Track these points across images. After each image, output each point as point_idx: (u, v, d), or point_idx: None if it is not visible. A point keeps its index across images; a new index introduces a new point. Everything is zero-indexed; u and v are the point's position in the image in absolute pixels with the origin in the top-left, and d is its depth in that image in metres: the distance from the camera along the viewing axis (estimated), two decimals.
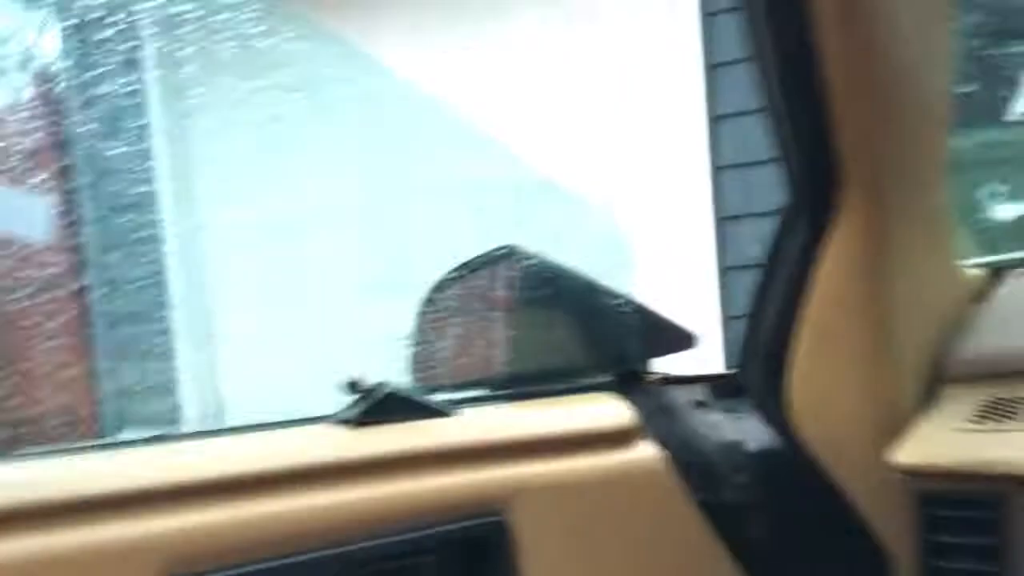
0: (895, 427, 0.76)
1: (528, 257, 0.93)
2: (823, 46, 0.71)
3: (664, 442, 0.86)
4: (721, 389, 0.95)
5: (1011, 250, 1.32)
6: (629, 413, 0.83)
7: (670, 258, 2.89)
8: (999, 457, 0.66)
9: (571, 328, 0.96)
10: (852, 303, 0.76)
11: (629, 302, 0.97)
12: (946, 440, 0.71)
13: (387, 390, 0.72)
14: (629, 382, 0.91)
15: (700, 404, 0.98)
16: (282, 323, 3.30)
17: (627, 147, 3.05)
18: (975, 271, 0.93)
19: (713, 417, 0.96)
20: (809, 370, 0.80)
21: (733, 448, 0.90)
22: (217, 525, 0.60)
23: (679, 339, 1.02)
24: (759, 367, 0.84)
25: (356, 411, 0.71)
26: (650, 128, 3.02)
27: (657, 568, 0.83)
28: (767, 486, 0.87)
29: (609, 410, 0.83)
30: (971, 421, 0.72)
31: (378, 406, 0.71)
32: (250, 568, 0.60)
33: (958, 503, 0.68)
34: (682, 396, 0.95)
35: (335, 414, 0.72)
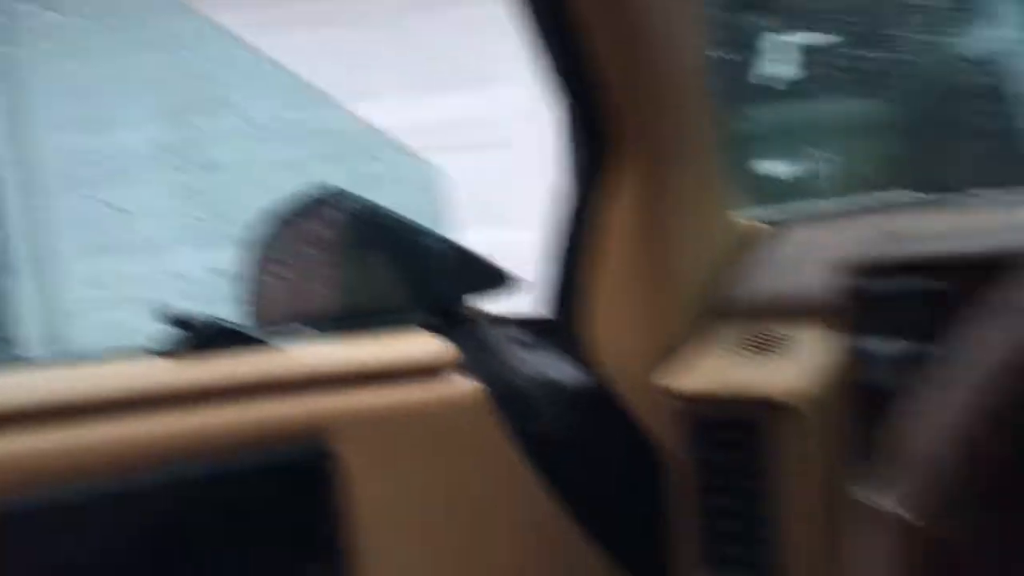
0: (673, 356, 0.84)
1: (351, 199, 0.95)
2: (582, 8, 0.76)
3: (481, 377, 0.91)
4: (537, 328, 1.02)
5: (783, 204, 1.46)
6: (447, 348, 0.87)
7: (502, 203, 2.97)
8: (755, 383, 0.75)
9: (393, 267, 0.99)
10: (636, 248, 0.83)
11: (451, 244, 1.01)
12: (712, 368, 0.80)
13: (211, 323, 0.74)
14: (450, 320, 0.95)
15: (518, 342, 1.05)
16: (114, 264, 3.17)
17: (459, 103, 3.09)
18: (751, 223, 1.04)
19: (529, 354, 1.03)
20: (603, 309, 0.87)
21: (545, 383, 0.97)
22: (41, 451, 0.60)
23: (501, 280, 1.07)
24: (562, 308, 0.91)
25: (181, 343, 0.72)
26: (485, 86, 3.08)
27: (475, 495, 0.89)
28: (574, 417, 0.95)
29: (428, 345, 0.88)
30: (736, 352, 0.82)
31: (202, 338, 0.72)
32: (72, 492, 0.61)
33: (721, 424, 0.77)
34: (501, 334, 1.01)
35: (161, 346, 0.73)
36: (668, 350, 0.86)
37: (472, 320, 1.00)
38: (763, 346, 0.83)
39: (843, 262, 0.57)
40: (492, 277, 1.04)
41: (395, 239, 1.00)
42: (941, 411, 0.32)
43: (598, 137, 0.87)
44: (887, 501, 0.33)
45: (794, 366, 0.75)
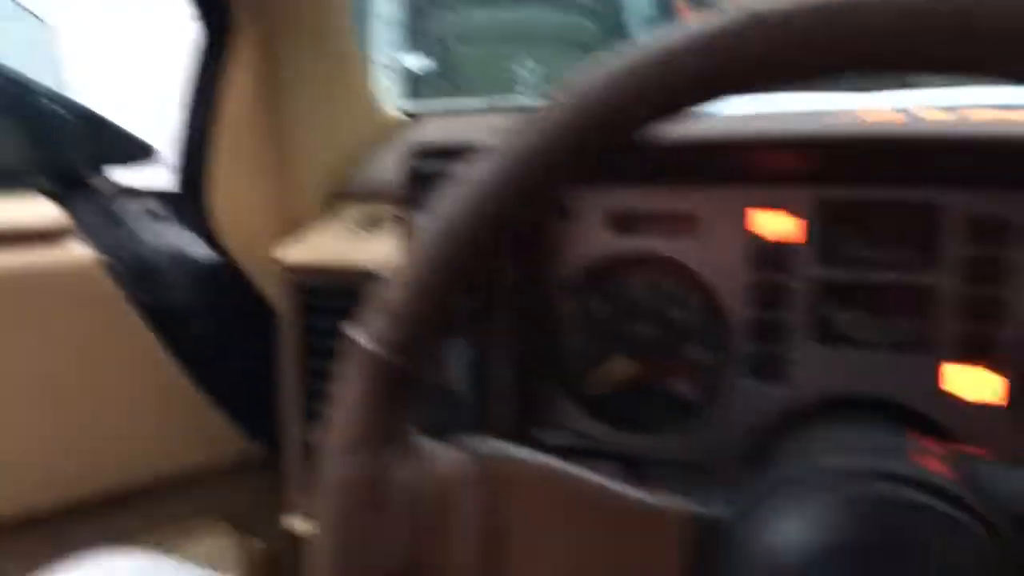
0: (295, 233, 0.90)
1: None
2: None
3: (101, 245, 0.91)
4: (165, 201, 1.02)
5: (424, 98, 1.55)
6: (63, 216, 0.86)
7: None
8: (356, 257, 0.81)
9: (11, 129, 0.94)
10: (256, 127, 0.86)
11: (79, 108, 0.97)
12: (324, 243, 0.86)
13: None
14: (72, 187, 0.93)
15: (145, 213, 1.05)
16: None
17: None
18: (394, 113, 1.10)
19: (158, 226, 1.03)
20: (225, 186, 0.90)
21: (172, 255, 0.98)
22: None
23: (134, 149, 1.05)
24: (187, 182, 0.93)
25: None
26: None
27: (93, 360, 0.89)
28: (201, 290, 0.98)
29: (43, 211, 0.86)
30: (349, 230, 0.89)
31: None
32: None
33: (325, 292, 0.83)
34: (128, 205, 1.00)
35: None
36: (291, 226, 0.91)
37: (98, 189, 0.98)
38: (371, 225, 0.90)
39: (410, 148, 0.66)
40: (122, 146, 1.03)
41: (13, 99, 0.94)
42: (406, 261, 0.41)
43: (219, 8, 0.86)
44: (362, 338, 0.42)
45: (390, 241, 0.84)
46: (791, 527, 0.39)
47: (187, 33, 0.92)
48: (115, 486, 0.91)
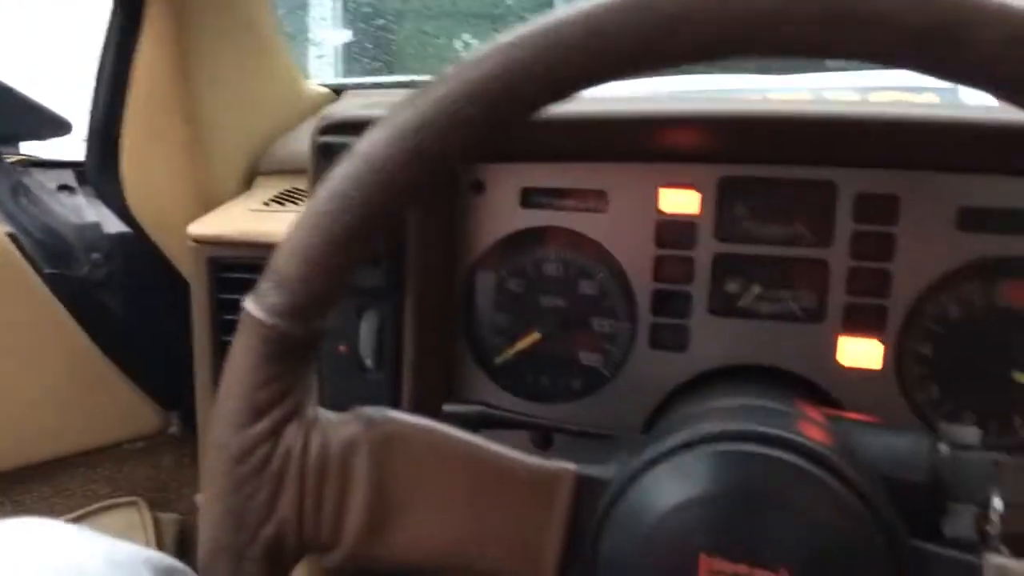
0: (211, 209, 0.89)
1: None
2: None
3: (15, 221, 0.89)
4: (80, 175, 1.00)
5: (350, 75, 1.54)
6: None
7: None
8: (267, 231, 0.81)
9: None
10: (170, 100, 0.84)
11: None
12: (238, 217, 0.85)
13: None
14: None
15: (62, 188, 1.02)
16: None
17: None
18: (319, 89, 1.10)
19: (73, 200, 1.01)
20: (138, 161, 0.88)
21: (84, 229, 0.97)
22: None
23: (48, 123, 1.03)
24: (99, 156, 0.91)
25: None
26: None
27: (13, 336, 0.88)
28: (113, 264, 0.96)
29: None
30: (265, 204, 0.89)
31: None
32: None
33: (233, 266, 0.83)
34: (44, 178, 0.98)
35: None
36: (209, 201, 0.90)
37: (8, 163, 0.96)
38: (289, 199, 0.90)
39: (319, 122, 0.66)
40: (35, 119, 1.00)
41: None
42: (293, 231, 0.42)
43: None
44: (252, 306, 0.42)
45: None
46: (668, 486, 0.41)
47: (99, 4, 0.90)
48: (28, 460, 0.89)
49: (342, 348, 0.65)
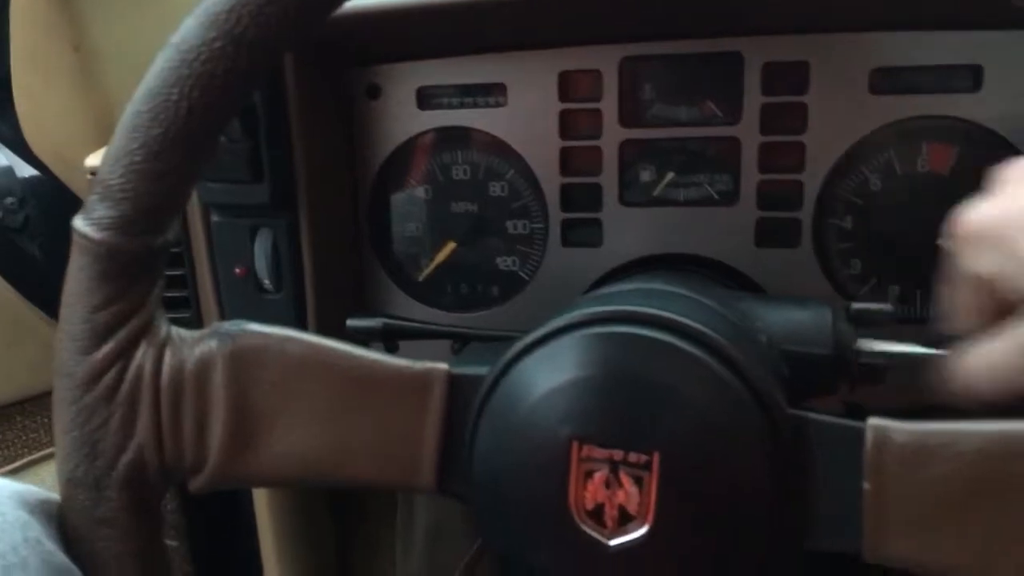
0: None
1: None
2: None
3: None
4: None
5: None
6: None
7: None
8: None
9: None
10: (53, 30, 0.79)
11: None
12: None
13: None
14: None
15: None
16: None
17: None
18: None
19: None
20: (29, 96, 0.84)
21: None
22: None
23: None
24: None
25: None
26: None
27: None
28: (30, 208, 0.93)
29: None
30: None
31: None
32: None
33: None
34: None
35: None
36: (106, 132, 0.85)
37: None
38: None
39: None
40: None
41: None
42: (114, 136, 0.39)
43: None
44: (80, 223, 0.39)
45: None
46: (539, 374, 0.38)
47: None
48: None
49: (238, 270, 0.63)
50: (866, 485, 0.34)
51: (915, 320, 0.61)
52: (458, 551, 0.68)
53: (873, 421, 0.35)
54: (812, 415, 0.37)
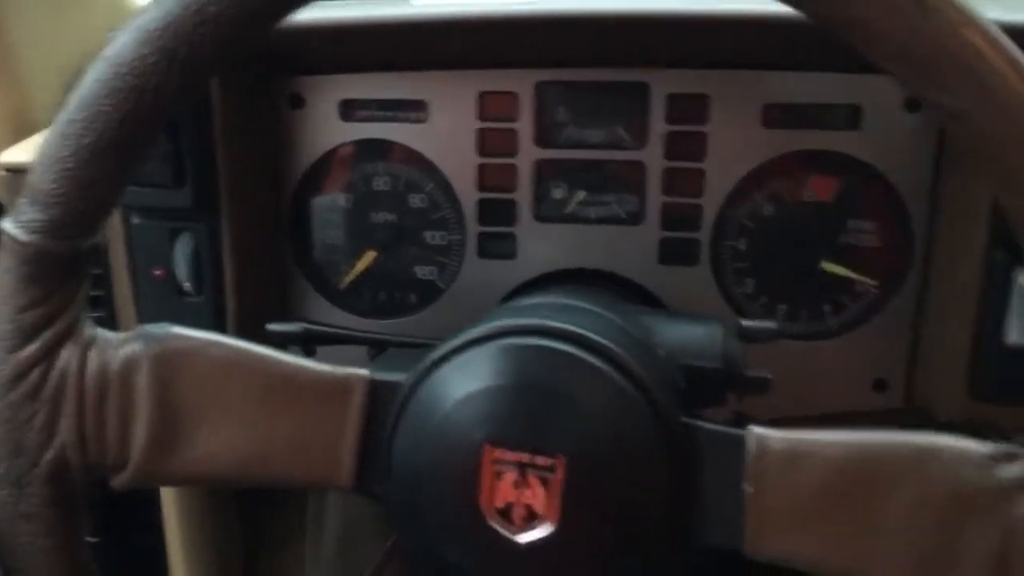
0: (28, 136, 0.84)
1: None
2: None
3: None
4: None
5: None
6: None
7: None
8: None
9: None
10: None
11: None
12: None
13: None
14: None
15: None
16: None
17: None
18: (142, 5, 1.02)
19: None
20: None
21: None
22: None
23: None
24: None
25: None
26: None
27: None
28: None
29: None
30: None
31: None
32: None
33: None
34: None
35: None
36: (22, 127, 0.84)
37: None
38: None
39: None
40: None
41: None
42: (45, 142, 0.40)
43: None
44: (9, 225, 0.40)
45: None
46: (455, 382, 0.41)
47: None
48: None
49: (158, 272, 0.63)
50: (747, 487, 0.38)
51: (800, 336, 0.66)
52: (368, 553, 0.70)
53: (754, 429, 0.39)
54: (701, 423, 0.40)
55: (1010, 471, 0.35)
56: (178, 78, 0.38)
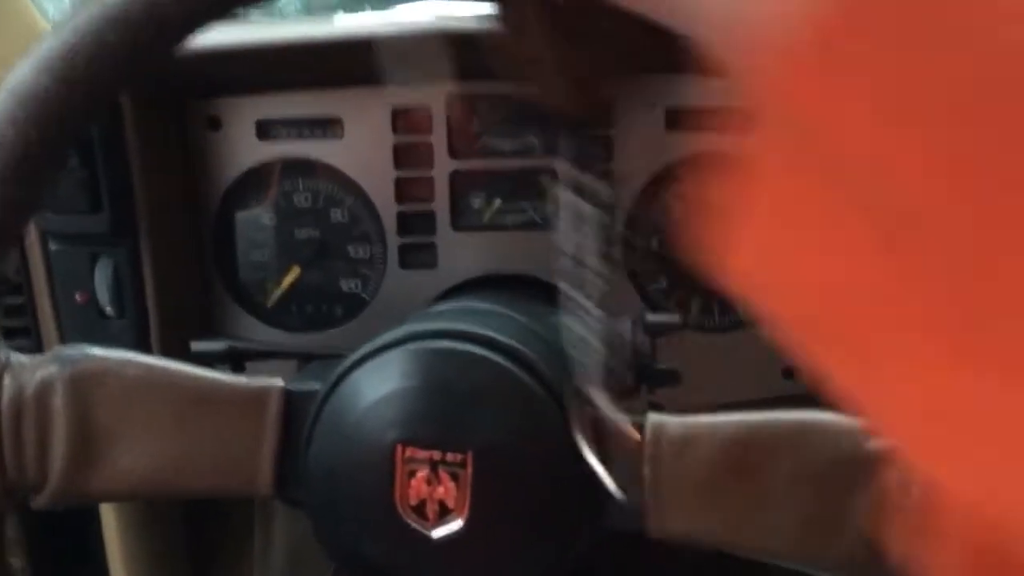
0: None
1: None
2: None
3: None
4: None
5: None
6: None
7: None
8: None
9: None
10: None
11: None
12: None
13: None
14: None
15: None
16: None
17: None
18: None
19: None
20: None
21: None
22: None
23: None
24: None
25: None
26: None
27: None
28: None
29: None
30: None
31: None
32: None
33: None
34: None
35: None
36: None
37: None
38: None
39: None
40: None
41: None
42: None
43: None
44: None
45: None
46: (368, 386, 0.43)
47: None
48: None
49: (79, 297, 0.64)
50: (646, 471, 0.41)
51: (713, 329, 0.69)
52: (318, 572, 0.71)
53: (652, 417, 0.41)
54: (604, 415, 0.43)
55: (877, 442, 0.38)
56: (80, 103, 0.39)
